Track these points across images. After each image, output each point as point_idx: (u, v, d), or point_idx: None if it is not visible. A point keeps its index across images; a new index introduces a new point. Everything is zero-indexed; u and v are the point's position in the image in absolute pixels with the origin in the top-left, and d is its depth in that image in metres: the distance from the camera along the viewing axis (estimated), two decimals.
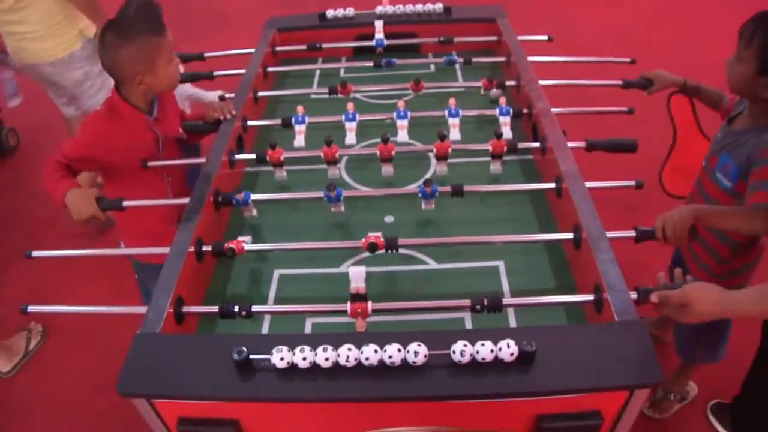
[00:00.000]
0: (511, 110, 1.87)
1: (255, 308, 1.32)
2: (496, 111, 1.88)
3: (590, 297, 1.29)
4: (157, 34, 1.65)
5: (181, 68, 2.02)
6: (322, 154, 1.71)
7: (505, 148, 1.70)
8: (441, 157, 1.70)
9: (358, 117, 1.87)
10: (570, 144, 1.67)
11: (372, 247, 1.40)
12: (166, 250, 1.41)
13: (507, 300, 1.34)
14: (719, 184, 1.65)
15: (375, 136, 1.91)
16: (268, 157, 1.73)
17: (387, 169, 1.75)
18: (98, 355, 2.28)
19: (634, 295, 1.23)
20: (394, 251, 1.43)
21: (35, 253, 1.53)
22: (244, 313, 1.31)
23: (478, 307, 1.26)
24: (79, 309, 1.48)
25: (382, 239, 1.41)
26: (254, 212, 1.63)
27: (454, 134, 1.84)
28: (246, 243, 1.47)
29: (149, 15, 1.65)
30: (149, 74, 1.67)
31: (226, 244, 1.44)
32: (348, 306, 1.28)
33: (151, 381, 1.14)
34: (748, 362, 1.89)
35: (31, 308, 1.40)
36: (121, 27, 1.63)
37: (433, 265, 1.52)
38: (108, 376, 2.26)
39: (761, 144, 1.51)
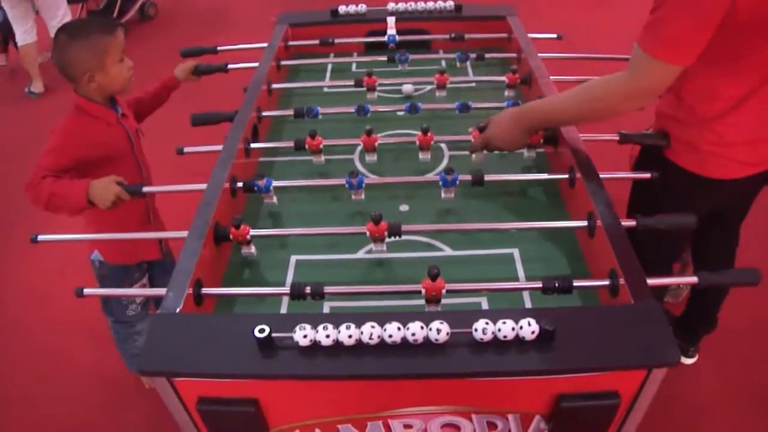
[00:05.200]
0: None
1: (326, 289, 1.31)
2: (505, 104, 1.91)
3: (606, 282, 1.30)
4: (107, 33, 1.68)
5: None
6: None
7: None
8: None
9: (370, 108, 1.91)
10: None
11: (377, 219, 1.42)
12: (184, 234, 1.42)
13: (525, 284, 1.36)
14: None
15: (386, 129, 1.96)
16: (307, 146, 1.78)
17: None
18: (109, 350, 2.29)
19: None
20: (397, 237, 1.45)
21: (41, 237, 1.54)
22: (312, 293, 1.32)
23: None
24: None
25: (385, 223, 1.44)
26: (275, 199, 1.65)
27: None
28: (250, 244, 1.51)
29: (101, 18, 1.69)
30: (99, 72, 1.68)
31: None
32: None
33: (172, 359, 1.14)
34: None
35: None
36: (72, 27, 1.68)
37: (448, 251, 1.53)
38: (115, 370, 2.31)
39: None
